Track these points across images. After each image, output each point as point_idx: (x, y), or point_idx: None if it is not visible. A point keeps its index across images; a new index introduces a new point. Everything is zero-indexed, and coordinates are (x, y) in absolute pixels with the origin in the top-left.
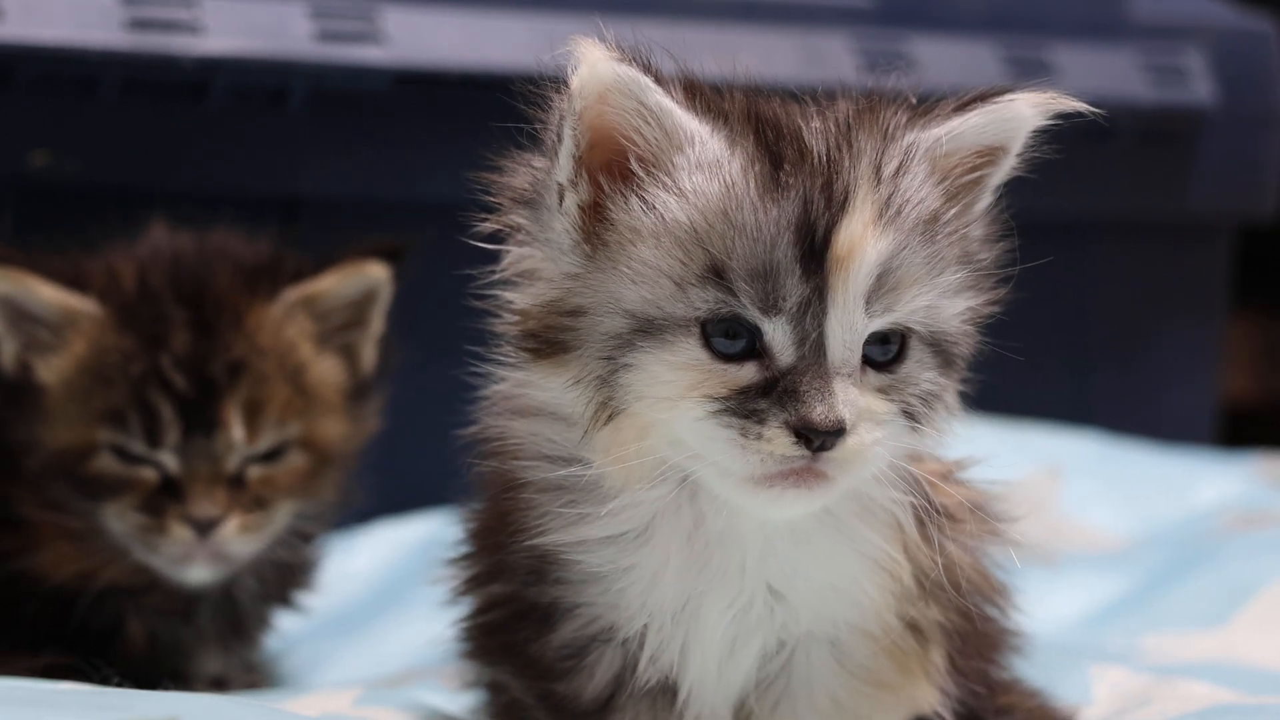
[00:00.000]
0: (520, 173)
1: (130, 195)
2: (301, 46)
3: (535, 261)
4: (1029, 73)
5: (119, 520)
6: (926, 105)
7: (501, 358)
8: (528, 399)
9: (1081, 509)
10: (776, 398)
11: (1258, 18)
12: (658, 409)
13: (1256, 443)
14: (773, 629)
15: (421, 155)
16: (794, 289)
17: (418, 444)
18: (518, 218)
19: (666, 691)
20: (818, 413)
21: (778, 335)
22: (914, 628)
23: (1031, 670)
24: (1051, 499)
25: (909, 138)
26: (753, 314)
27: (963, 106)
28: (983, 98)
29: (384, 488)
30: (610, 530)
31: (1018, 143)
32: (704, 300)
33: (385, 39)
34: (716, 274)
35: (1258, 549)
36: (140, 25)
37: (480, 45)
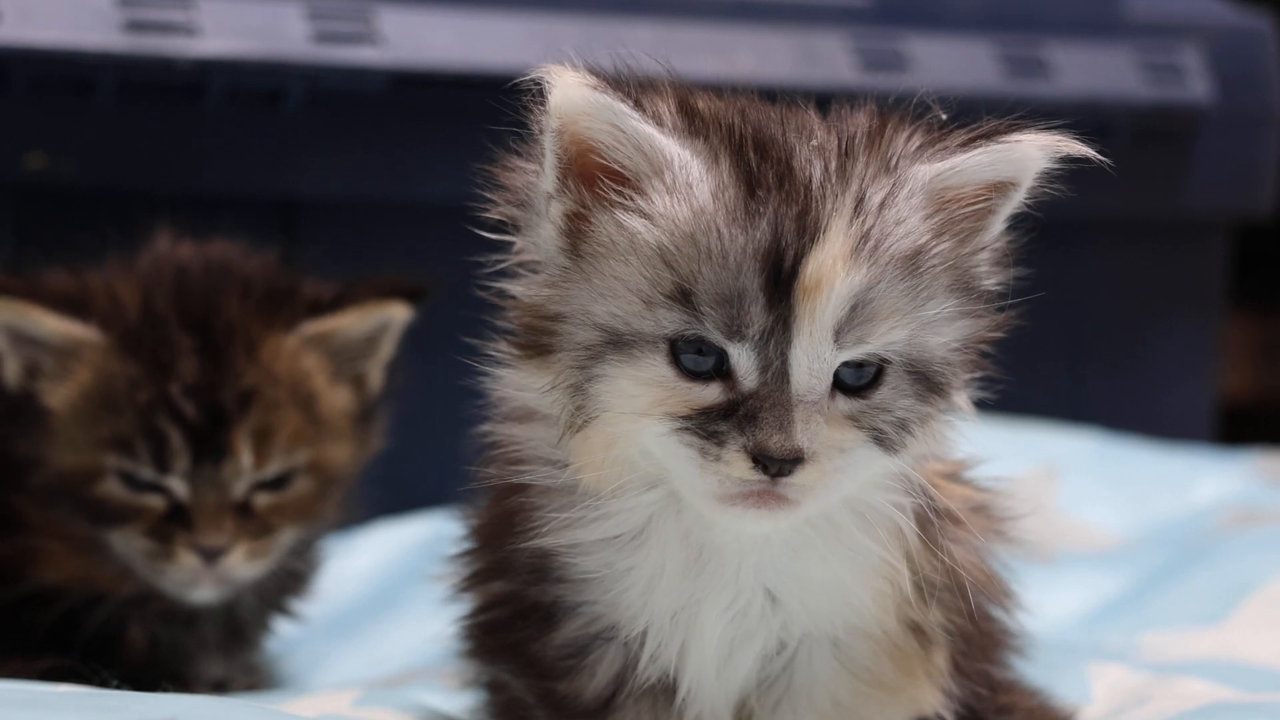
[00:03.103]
0: (516, 173)
1: (127, 197)
2: (298, 48)
3: (535, 254)
4: (1025, 71)
5: (125, 544)
6: (937, 135)
7: (499, 354)
8: (525, 402)
9: (1079, 507)
10: (737, 421)
11: (1254, 16)
12: (622, 422)
13: (1254, 440)
14: (772, 631)
15: (418, 156)
16: (757, 317)
17: (416, 445)
18: (515, 215)
19: (667, 690)
20: (774, 441)
21: (742, 360)
22: (916, 630)
23: (1030, 668)
24: (1049, 497)
25: (908, 170)
26: (717, 338)
27: (969, 142)
28: (989, 135)
29: (383, 489)
30: (605, 533)
31: (1027, 180)
32: (671, 321)
33: (381, 40)
34: (683, 296)
35: (1255, 547)
36: (136, 27)
37: (476, 46)
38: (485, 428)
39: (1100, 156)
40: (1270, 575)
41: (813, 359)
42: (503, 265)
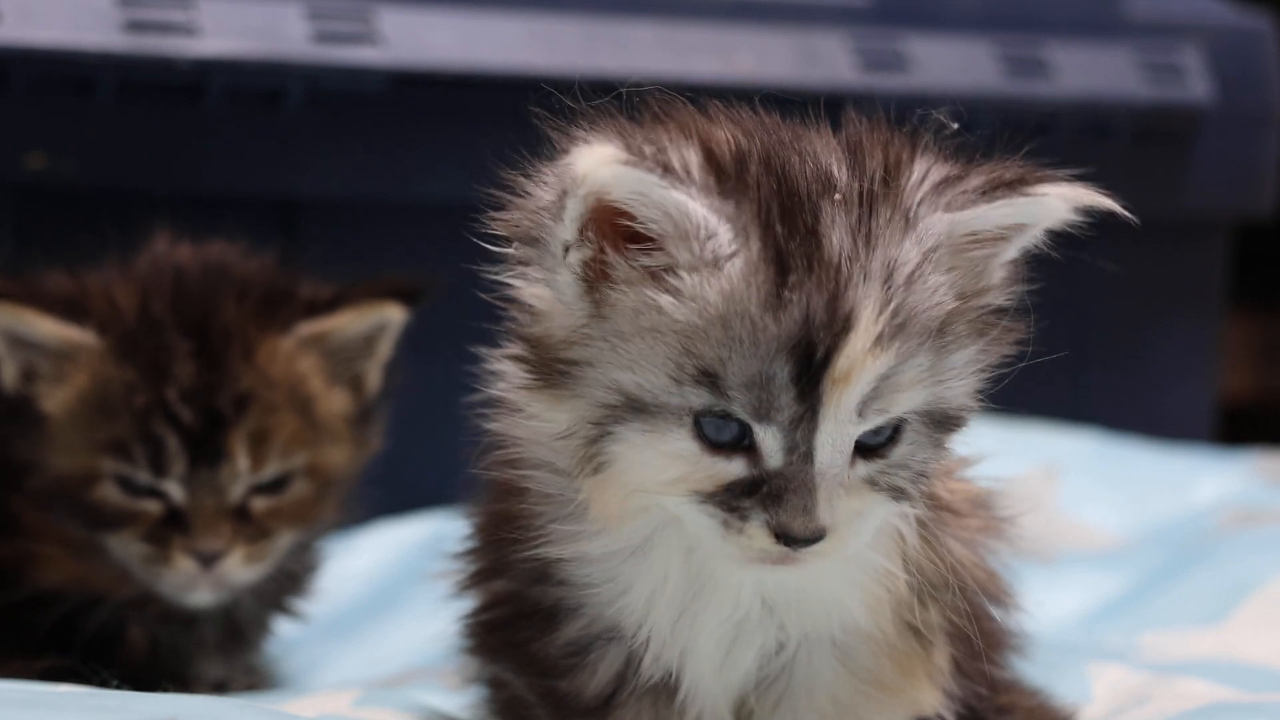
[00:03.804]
0: (523, 210)
1: (127, 197)
2: (298, 48)
3: (540, 296)
4: (1025, 71)
5: (122, 549)
6: (956, 173)
7: (505, 350)
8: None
9: (1079, 507)
10: (760, 499)
11: (1255, 15)
12: (643, 490)
13: (1254, 440)
14: (770, 633)
15: (418, 156)
16: (787, 405)
17: (416, 445)
18: (520, 252)
19: (668, 689)
20: (798, 523)
21: (768, 440)
22: (916, 630)
23: (1030, 668)
24: (1049, 497)
25: (928, 222)
26: (745, 417)
27: (991, 190)
28: (1013, 185)
29: (383, 489)
30: (607, 546)
31: (1047, 224)
32: (698, 398)
33: (381, 40)
34: (710, 378)
35: (1256, 547)
36: (136, 27)
37: (477, 46)
38: (485, 426)
39: (1126, 213)
40: (1270, 575)
41: (837, 439)
42: (508, 269)
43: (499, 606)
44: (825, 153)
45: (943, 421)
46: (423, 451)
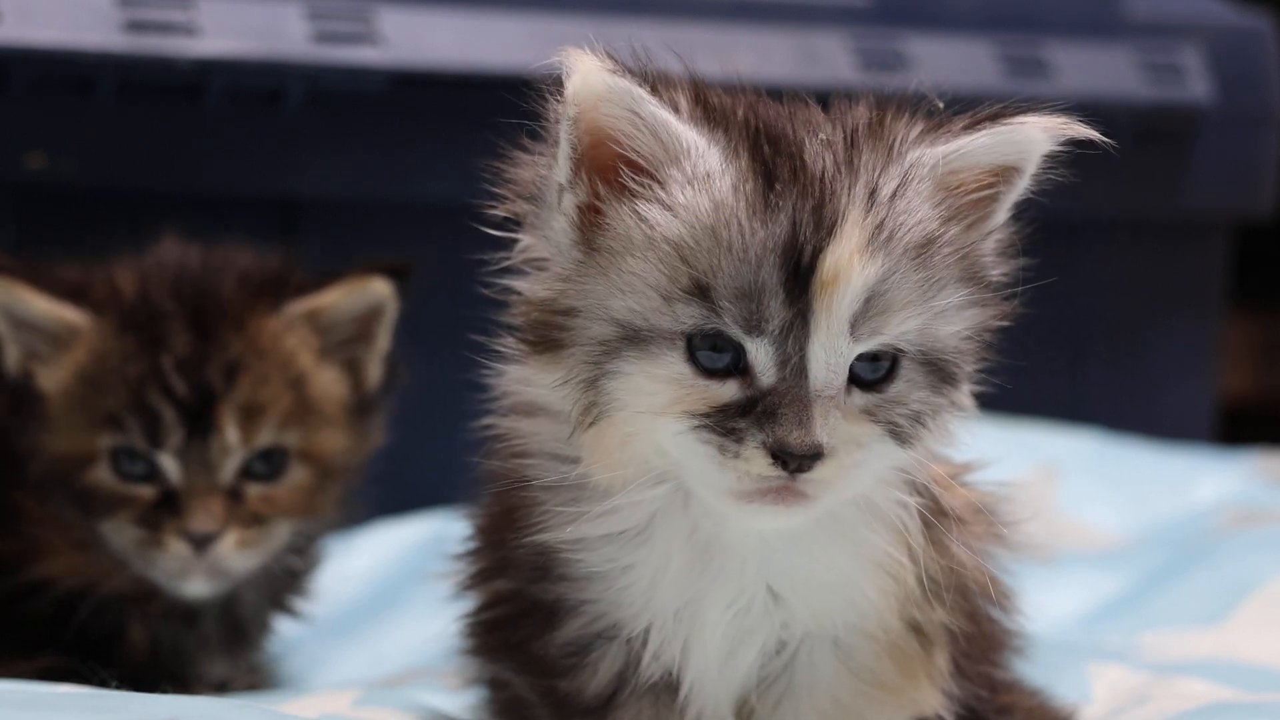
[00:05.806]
0: (525, 167)
1: (127, 197)
2: (298, 48)
3: (541, 251)
4: (1025, 71)
5: (116, 535)
6: (938, 120)
7: (505, 349)
8: (530, 396)
9: (1079, 507)
10: (755, 418)
11: (1254, 16)
12: (639, 420)
13: (1254, 440)
14: (773, 629)
15: (418, 156)
16: (777, 312)
17: (417, 444)
18: (523, 209)
19: (669, 688)
20: (794, 436)
21: (760, 355)
22: (917, 630)
23: (1030, 669)
24: (1049, 497)
25: (912, 156)
26: (736, 332)
27: (972, 125)
28: (993, 118)
29: (383, 488)
30: (610, 528)
31: (1031, 164)
32: (689, 316)
33: (381, 40)
34: (701, 291)
35: (1255, 547)
36: (136, 27)
37: (476, 46)
38: (487, 420)
39: (1104, 138)
40: (1270, 575)
41: (830, 353)
42: (508, 263)
43: (500, 606)
44: (814, 113)
45: (938, 367)
46: (423, 451)
